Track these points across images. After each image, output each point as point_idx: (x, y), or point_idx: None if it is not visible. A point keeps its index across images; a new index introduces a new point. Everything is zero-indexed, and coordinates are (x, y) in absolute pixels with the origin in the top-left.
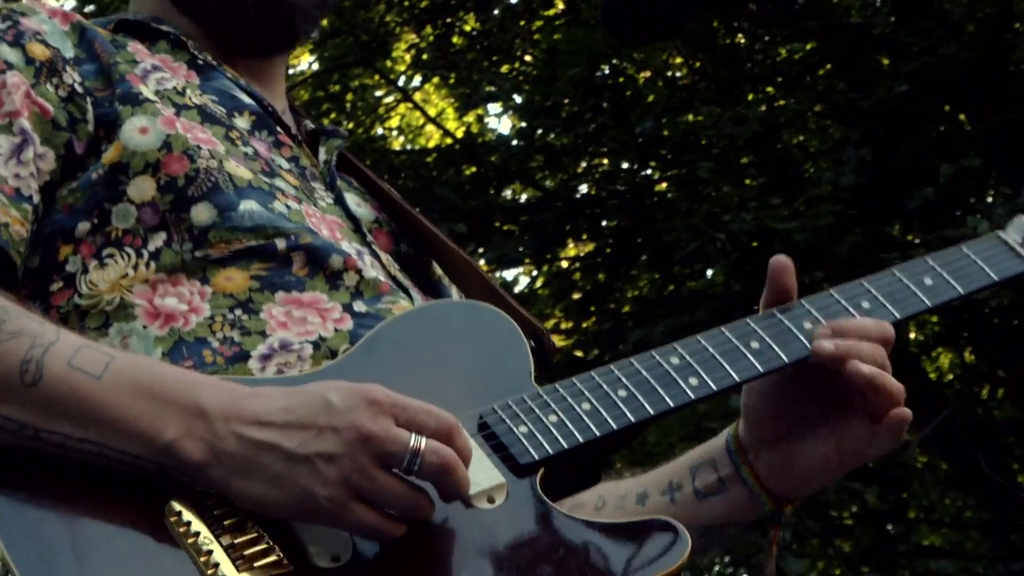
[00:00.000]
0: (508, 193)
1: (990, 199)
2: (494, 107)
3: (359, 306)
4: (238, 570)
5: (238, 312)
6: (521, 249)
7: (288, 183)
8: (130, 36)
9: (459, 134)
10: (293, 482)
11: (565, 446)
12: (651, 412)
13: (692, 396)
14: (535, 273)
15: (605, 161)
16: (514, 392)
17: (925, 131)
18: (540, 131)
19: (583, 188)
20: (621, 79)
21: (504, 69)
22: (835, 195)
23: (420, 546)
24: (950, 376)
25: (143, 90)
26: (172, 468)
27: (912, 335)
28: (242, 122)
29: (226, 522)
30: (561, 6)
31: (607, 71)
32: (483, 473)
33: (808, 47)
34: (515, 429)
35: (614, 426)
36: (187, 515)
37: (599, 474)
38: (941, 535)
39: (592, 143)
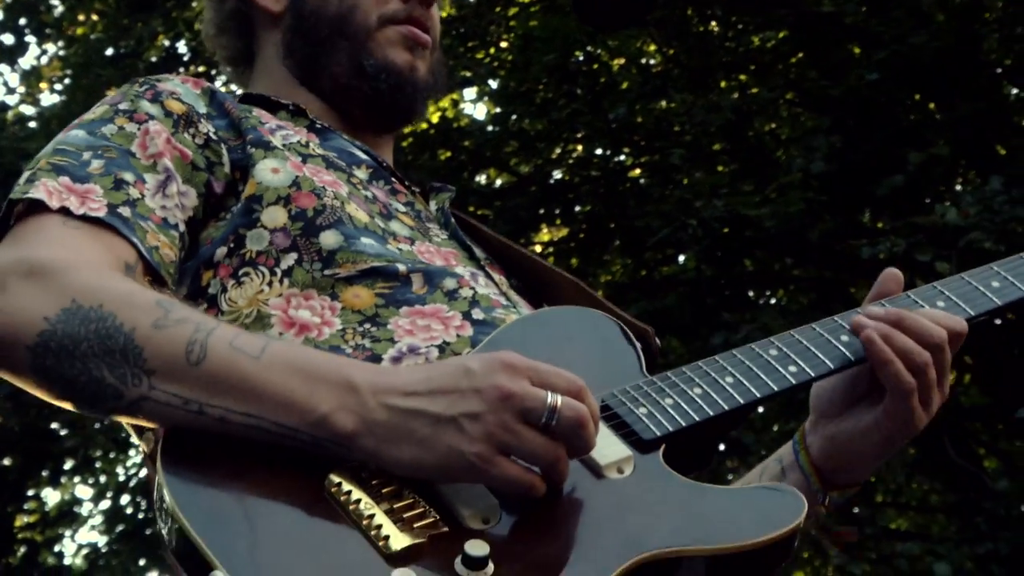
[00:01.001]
0: (482, 178)
1: (959, 187)
2: (469, 92)
3: (477, 314)
4: (400, 531)
5: (367, 325)
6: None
7: (404, 224)
8: (254, 106)
9: (434, 119)
10: (442, 443)
11: (683, 424)
12: (757, 395)
13: (793, 381)
14: None
15: (579, 147)
16: (629, 381)
17: (895, 119)
18: (514, 117)
19: (557, 174)
20: (595, 66)
21: (480, 55)
22: (805, 182)
23: (559, 511)
24: None
25: (273, 139)
26: (326, 439)
27: None
28: (360, 173)
29: (384, 490)
30: None
31: (581, 58)
32: (610, 448)
33: (780, 35)
34: (635, 410)
35: (725, 407)
36: (347, 485)
37: (710, 458)
38: (908, 518)
39: (566, 129)
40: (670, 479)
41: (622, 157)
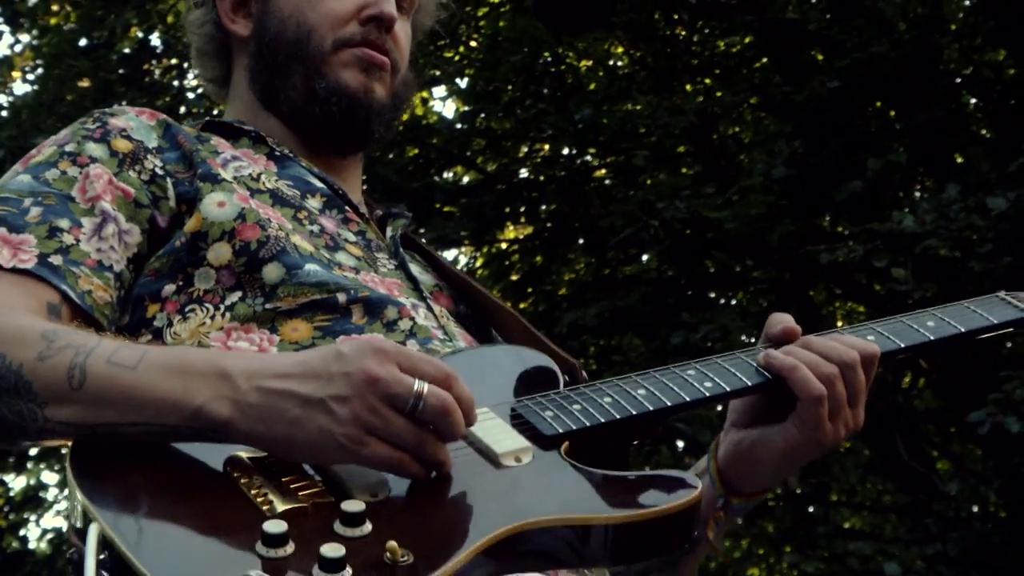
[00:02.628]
0: (449, 175)
1: (917, 194)
2: (438, 90)
3: (412, 345)
4: (284, 499)
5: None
6: (462, 233)
7: (350, 255)
8: (215, 134)
9: (403, 116)
10: (312, 423)
11: (587, 423)
12: (667, 403)
13: (706, 394)
14: (475, 254)
15: (546, 147)
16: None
17: (855, 126)
18: (482, 115)
19: (523, 172)
20: (562, 67)
21: (449, 53)
22: (767, 186)
23: (448, 488)
24: None
25: (221, 172)
26: (205, 429)
27: (839, 323)
28: (314, 202)
29: (275, 468)
30: None
31: (549, 58)
32: (510, 440)
33: (746, 40)
34: (541, 412)
35: (632, 411)
36: (244, 465)
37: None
38: (861, 517)
39: (532, 128)
40: (568, 467)
41: (588, 157)
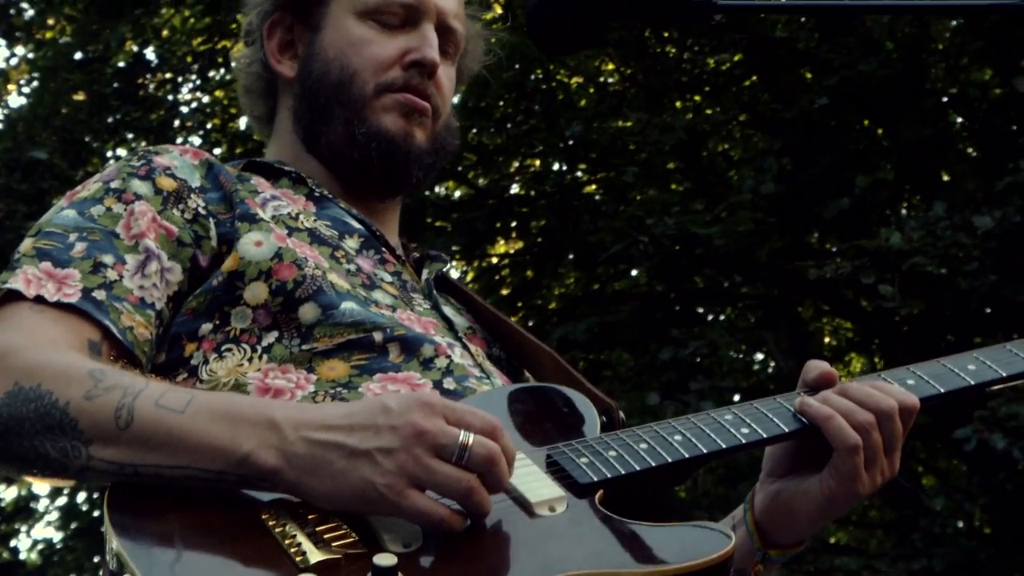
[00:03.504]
0: (441, 190)
1: (904, 211)
2: None
3: (448, 383)
4: (317, 548)
5: (339, 389)
6: (453, 248)
7: (387, 293)
8: (256, 174)
9: None
10: (356, 474)
11: (621, 471)
12: (703, 450)
13: (743, 441)
14: (465, 268)
15: (536, 162)
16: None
17: (843, 143)
18: (474, 131)
19: (514, 188)
20: (553, 83)
21: None
22: (755, 202)
23: (482, 540)
24: None
25: (259, 212)
26: (251, 476)
27: (827, 339)
28: (351, 242)
29: (310, 516)
30: (499, 11)
31: (540, 75)
32: (545, 488)
33: (736, 58)
34: (576, 459)
35: (668, 459)
36: (279, 514)
37: (657, 516)
38: (848, 532)
39: (523, 144)
40: (601, 517)
41: (578, 173)
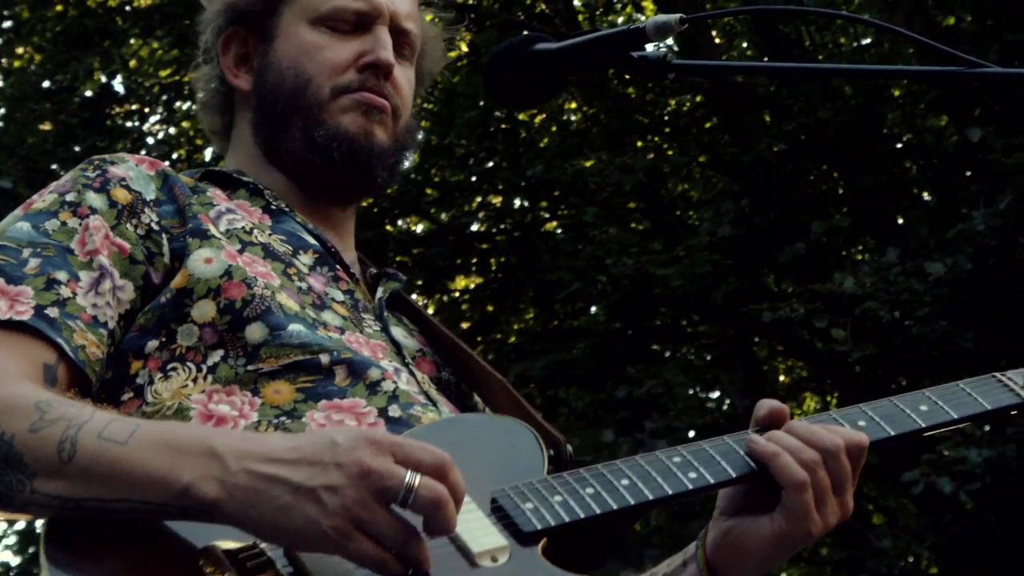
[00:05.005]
0: (402, 223)
1: (859, 256)
2: None
3: (394, 411)
4: None
5: (283, 419)
6: (417, 283)
7: (336, 314)
8: (213, 184)
9: None
10: (300, 512)
11: (566, 519)
12: (649, 497)
13: (689, 486)
14: (426, 302)
15: (498, 200)
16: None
17: (800, 188)
18: (436, 168)
19: (475, 226)
20: (516, 122)
21: None
22: (713, 244)
23: None
24: None
25: (211, 228)
26: (192, 508)
27: (781, 378)
28: (305, 259)
29: (249, 564)
30: (464, 48)
31: (503, 114)
32: (488, 537)
33: (697, 99)
34: (521, 504)
35: (613, 506)
36: (216, 562)
37: (603, 560)
38: (799, 569)
39: (485, 182)
40: (544, 571)
41: (539, 211)
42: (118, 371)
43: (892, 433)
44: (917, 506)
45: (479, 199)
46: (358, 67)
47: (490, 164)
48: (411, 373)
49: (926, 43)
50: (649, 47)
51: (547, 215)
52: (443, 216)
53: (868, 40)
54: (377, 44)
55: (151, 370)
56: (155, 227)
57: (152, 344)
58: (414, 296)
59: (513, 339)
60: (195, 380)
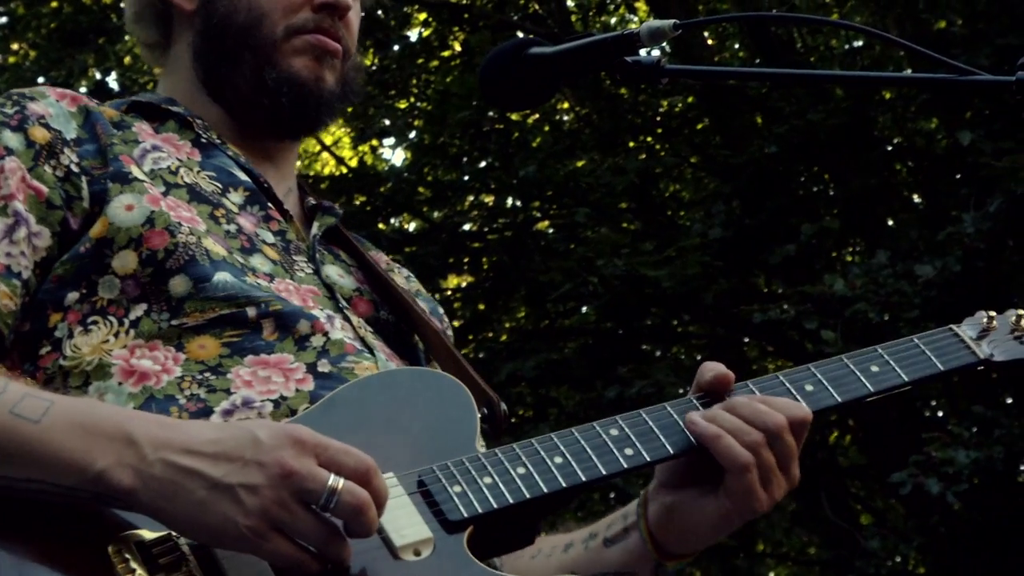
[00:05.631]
0: (395, 222)
1: (848, 257)
2: (389, 138)
3: (323, 366)
4: None
5: (207, 374)
6: None
7: (266, 258)
8: (140, 116)
9: (353, 163)
10: (216, 509)
11: (495, 505)
12: (582, 478)
13: (625, 465)
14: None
15: (490, 200)
16: (457, 454)
17: (791, 190)
18: (427, 168)
19: (467, 225)
20: (509, 124)
21: (402, 104)
22: (703, 245)
23: None
24: None
25: (134, 170)
26: (105, 495)
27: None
28: (236, 197)
29: (161, 560)
30: (458, 48)
31: (496, 114)
32: (412, 527)
33: (689, 100)
34: (449, 488)
35: (544, 489)
36: (127, 553)
37: (534, 534)
38: (787, 567)
39: (477, 181)
40: (467, 567)
41: (531, 212)
42: (36, 324)
43: (839, 400)
44: (905, 507)
45: (471, 198)
46: (314, 6)
47: (483, 164)
48: (346, 319)
49: (914, 48)
50: (643, 51)
51: (539, 215)
52: (435, 215)
53: (860, 43)
54: None
55: (70, 323)
56: (75, 169)
57: (72, 296)
58: None
59: (504, 338)
60: (116, 335)
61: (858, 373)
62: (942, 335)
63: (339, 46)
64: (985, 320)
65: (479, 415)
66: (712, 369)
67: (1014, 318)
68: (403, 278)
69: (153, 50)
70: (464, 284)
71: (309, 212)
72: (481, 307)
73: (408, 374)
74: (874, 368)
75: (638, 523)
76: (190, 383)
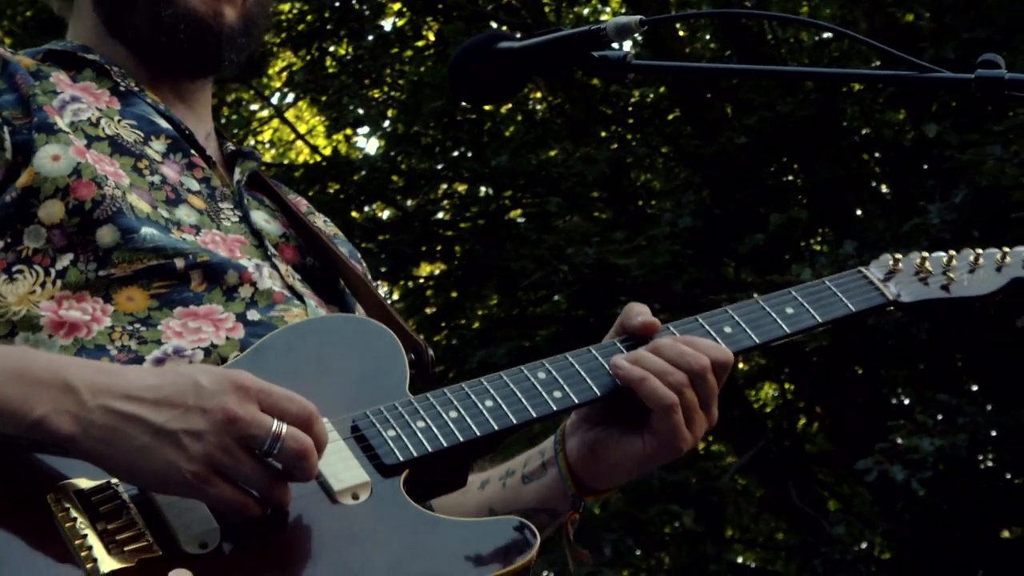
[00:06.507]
0: (368, 210)
1: (816, 246)
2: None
3: (252, 315)
4: (109, 554)
5: (137, 325)
6: (382, 269)
7: (192, 209)
8: (56, 66)
9: (327, 151)
10: (159, 455)
11: (429, 449)
12: (514, 421)
13: (554, 408)
14: (391, 288)
15: (463, 189)
16: (389, 400)
17: (760, 180)
18: (401, 157)
19: (440, 214)
20: (481, 114)
21: (376, 93)
22: (674, 235)
23: (284, 536)
24: (772, 407)
25: (58, 121)
26: (44, 442)
27: (741, 365)
28: (158, 145)
29: (102, 508)
30: (432, 38)
31: (468, 104)
32: (349, 472)
33: (660, 90)
34: (384, 432)
35: (477, 432)
36: (66, 502)
37: (465, 477)
38: (755, 552)
39: (450, 170)
40: (404, 509)
41: (503, 200)
42: None
43: (758, 341)
44: (871, 493)
45: (444, 187)
46: None
47: (455, 153)
48: (274, 267)
49: (876, 46)
50: (616, 44)
51: (511, 204)
52: (409, 203)
53: (829, 34)
54: None
55: None
56: None
57: None
58: (377, 281)
59: (477, 325)
60: (43, 285)
61: (774, 315)
62: (852, 276)
63: None
64: (891, 262)
65: (408, 359)
66: (640, 313)
67: (919, 260)
68: (322, 222)
69: None
70: (437, 272)
71: (229, 158)
72: (453, 295)
73: (336, 320)
74: (789, 310)
75: (556, 459)
76: (120, 333)
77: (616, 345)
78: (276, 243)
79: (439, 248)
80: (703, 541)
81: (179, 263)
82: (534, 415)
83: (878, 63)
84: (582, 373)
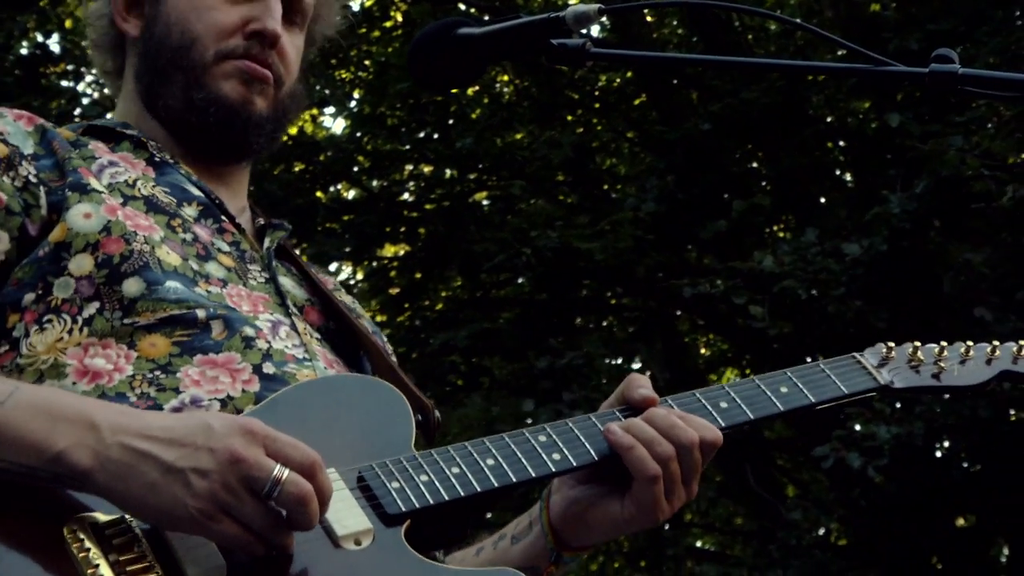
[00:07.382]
0: (334, 190)
1: (779, 234)
2: (328, 107)
3: (268, 368)
4: None
5: (157, 373)
6: (346, 249)
7: (221, 265)
8: (96, 138)
9: (293, 131)
10: (167, 491)
11: (431, 501)
12: (513, 479)
13: (553, 469)
14: (354, 268)
15: (428, 170)
16: (395, 454)
17: (724, 167)
18: (366, 138)
19: (405, 195)
20: (447, 96)
21: (342, 74)
22: (637, 220)
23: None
24: None
25: (92, 182)
26: (64, 475)
27: (703, 351)
28: (190, 210)
29: (115, 541)
30: (399, 19)
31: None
32: (353, 518)
33: (627, 75)
34: (388, 484)
35: (478, 488)
36: (81, 533)
37: (465, 533)
38: (713, 537)
39: (416, 152)
40: (405, 556)
41: (468, 183)
42: None
43: (752, 417)
44: (828, 480)
45: (410, 168)
46: (245, 33)
47: (421, 134)
48: (293, 326)
49: (835, 40)
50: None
51: (475, 186)
52: (374, 184)
53: (797, 20)
54: (265, 12)
55: (27, 323)
56: (32, 180)
57: (29, 297)
58: (344, 265)
59: (440, 307)
60: (70, 332)
61: (769, 393)
62: (846, 361)
63: (268, 72)
64: (884, 350)
65: (415, 420)
66: (642, 386)
67: (911, 349)
68: (350, 300)
69: (111, 77)
70: (401, 253)
71: (259, 231)
72: (417, 276)
73: (350, 380)
74: (783, 389)
75: (540, 516)
76: (140, 381)
77: (615, 414)
78: (301, 305)
79: (403, 229)
80: (661, 525)
81: (200, 313)
82: (533, 475)
83: (843, 53)
84: (580, 437)
